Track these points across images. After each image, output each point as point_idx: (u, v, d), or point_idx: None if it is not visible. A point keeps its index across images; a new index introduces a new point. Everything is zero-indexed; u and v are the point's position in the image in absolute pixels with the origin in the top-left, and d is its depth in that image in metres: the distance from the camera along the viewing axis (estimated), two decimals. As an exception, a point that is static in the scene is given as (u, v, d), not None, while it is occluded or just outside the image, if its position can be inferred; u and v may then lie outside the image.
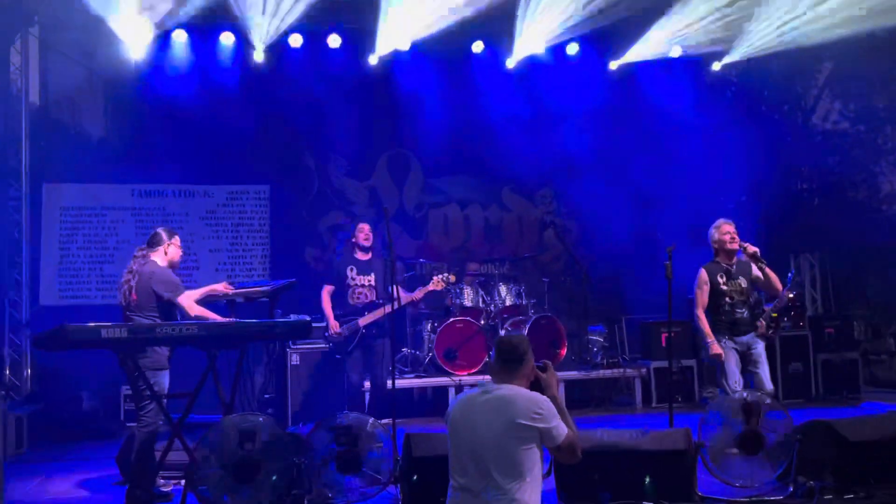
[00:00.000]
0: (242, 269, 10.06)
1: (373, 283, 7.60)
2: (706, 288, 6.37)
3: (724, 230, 6.47)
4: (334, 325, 7.46)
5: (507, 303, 9.38)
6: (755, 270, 6.40)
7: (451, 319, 8.91)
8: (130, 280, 5.92)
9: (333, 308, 7.59)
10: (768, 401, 5.36)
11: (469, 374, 8.80)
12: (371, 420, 5.34)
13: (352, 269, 7.61)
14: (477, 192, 10.88)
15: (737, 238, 6.41)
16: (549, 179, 10.84)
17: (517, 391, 3.69)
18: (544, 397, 3.70)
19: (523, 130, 10.31)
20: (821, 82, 11.22)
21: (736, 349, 6.30)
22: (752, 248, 6.32)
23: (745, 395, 5.39)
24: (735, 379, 6.19)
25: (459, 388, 8.65)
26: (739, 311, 6.31)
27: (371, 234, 7.65)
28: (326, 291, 7.62)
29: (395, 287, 6.40)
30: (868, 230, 10.31)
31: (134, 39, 8.91)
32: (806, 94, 11.30)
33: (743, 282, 6.39)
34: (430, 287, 7.55)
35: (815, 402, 9.22)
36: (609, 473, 4.88)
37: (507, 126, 10.21)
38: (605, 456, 4.86)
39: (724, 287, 6.37)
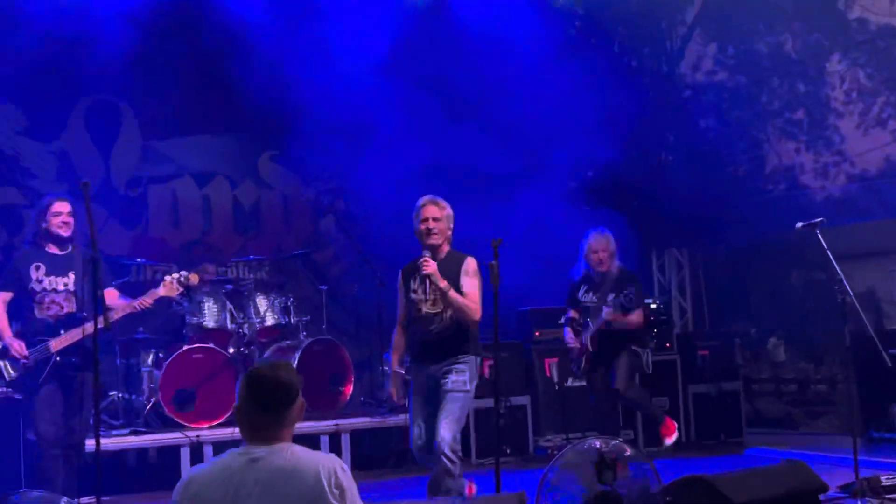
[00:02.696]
0: None
1: (71, 286, 7.22)
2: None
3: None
4: (17, 349, 7.03)
5: (269, 322, 9.35)
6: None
7: (186, 348, 8.75)
8: None
9: (11, 324, 7.17)
10: (629, 451, 5.55)
11: (211, 427, 8.64)
12: (64, 500, 5.09)
13: (38, 268, 7.19)
14: (223, 160, 10.80)
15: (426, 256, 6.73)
16: (330, 144, 10.68)
17: (299, 454, 3.52)
18: (337, 459, 3.59)
19: (295, 73, 10.07)
20: (690, 19, 11.75)
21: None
22: (427, 269, 6.60)
23: (597, 444, 5.56)
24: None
25: (198, 448, 8.47)
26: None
27: (72, 219, 7.27)
28: (0, 301, 7.18)
29: (100, 293, 6.15)
30: (751, 217, 10.98)
31: None
32: (672, 33, 11.83)
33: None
34: (161, 291, 7.29)
35: (688, 449, 9.71)
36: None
37: (271, 65, 9.95)
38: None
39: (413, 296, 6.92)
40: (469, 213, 10.36)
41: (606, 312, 8.24)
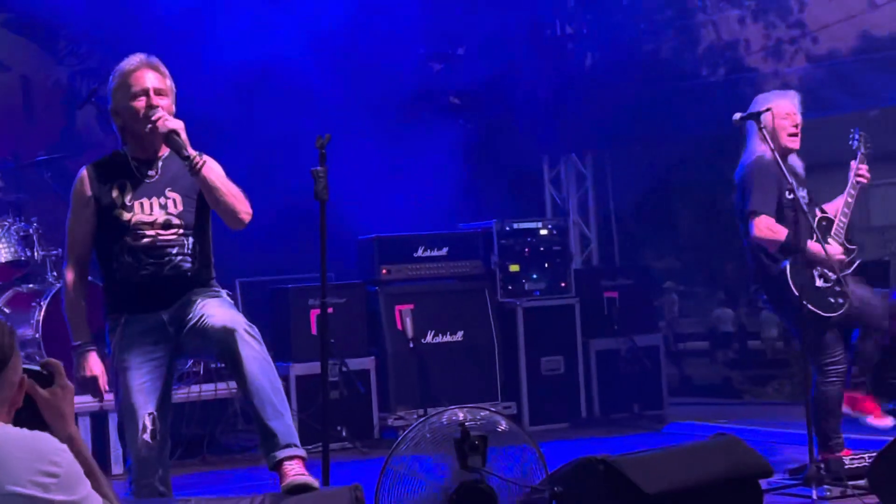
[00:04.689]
0: None
1: None
2: None
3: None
4: None
5: (3, 257, 9.24)
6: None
7: None
8: None
9: None
10: (503, 425, 5.57)
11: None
12: None
13: None
14: None
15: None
16: (93, 5, 10.52)
17: (7, 436, 3.51)
18: (56, 442, 3.57)
19: None
20: None
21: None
22: (169, 122, 5.66)
23: (459, 416, 5.57)
24: None
25: None
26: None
27: None
28: None
29: None
30: (679, 114, 11.12)
31: None
32: None
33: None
34: None
35: (590, 426, 9.99)
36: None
37: None
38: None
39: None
40: (290, 102, 10.29)
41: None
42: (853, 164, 7.54)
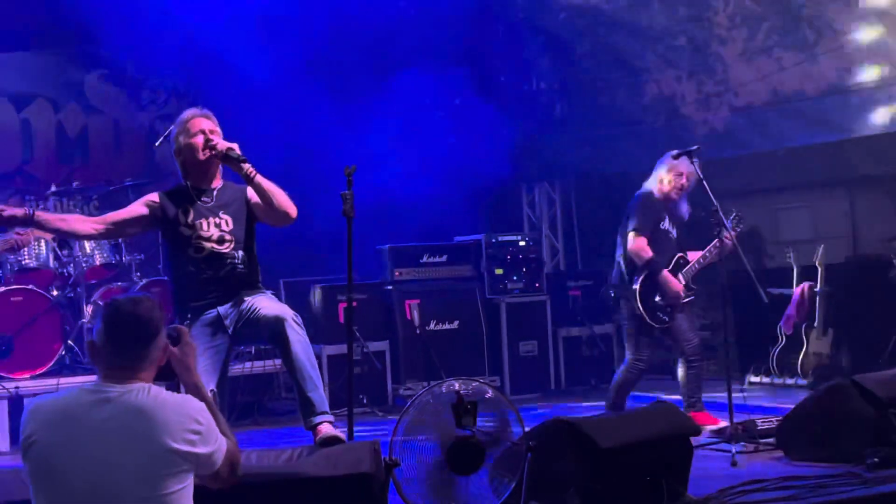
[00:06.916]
0: None
1: None
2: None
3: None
4: None
5: (98, 261, 9.21)
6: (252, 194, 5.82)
7: (2, 289, 8.55)
8: None
9: None
10: (490, 393, 5.58)
11: (34, 377, 8.51)
12: None
13: None
14: (44, 80, 10.60)
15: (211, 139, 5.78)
16: (167, 62, 10.48)
17: (158, 396, 3.53)
18: (198, 402, 3.60)
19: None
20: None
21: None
22: (224, 144, 5.72)
23: (455, 386, 5.57)
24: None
25: (17, 401, 8.28)
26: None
27: None
28: None
29: None
30: (628, 151, 11.13)
31: None
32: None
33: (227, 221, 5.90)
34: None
35: (557, 396, 10.08)
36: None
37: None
38: (256, 490, 4.82)
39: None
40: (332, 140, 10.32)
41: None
42: (727, 237, 7.40)
